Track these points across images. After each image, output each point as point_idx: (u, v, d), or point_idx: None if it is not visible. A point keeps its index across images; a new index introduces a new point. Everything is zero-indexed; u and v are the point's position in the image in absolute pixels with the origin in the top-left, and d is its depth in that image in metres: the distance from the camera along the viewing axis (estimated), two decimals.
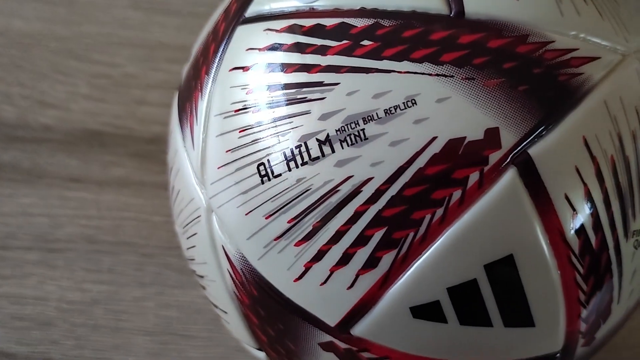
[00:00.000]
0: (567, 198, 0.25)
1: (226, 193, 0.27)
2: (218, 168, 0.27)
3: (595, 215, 0.25)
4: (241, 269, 0.27)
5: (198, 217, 0.29)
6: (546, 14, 0.26)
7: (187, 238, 0.31)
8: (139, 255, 0.44)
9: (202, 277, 0.31)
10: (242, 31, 0.28)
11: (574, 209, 0.25)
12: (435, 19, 0.25)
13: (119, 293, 0.43)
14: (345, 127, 0.25)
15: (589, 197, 0.25)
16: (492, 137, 0.24)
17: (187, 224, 0.30)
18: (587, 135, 0.25)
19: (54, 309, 0.42)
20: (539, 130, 0.24)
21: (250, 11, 0.28)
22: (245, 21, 0.28)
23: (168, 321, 0.42)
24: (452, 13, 0.25)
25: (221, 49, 0.29)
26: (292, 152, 0.25)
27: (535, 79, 0.25)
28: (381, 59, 0.25)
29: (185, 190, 0.30)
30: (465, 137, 0.24)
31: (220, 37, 0.29)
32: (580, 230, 0.25)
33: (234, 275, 0.28)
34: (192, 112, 0.29)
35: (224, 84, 0.28)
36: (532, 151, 0.24)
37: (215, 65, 0.28)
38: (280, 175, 0.25)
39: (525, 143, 0.24)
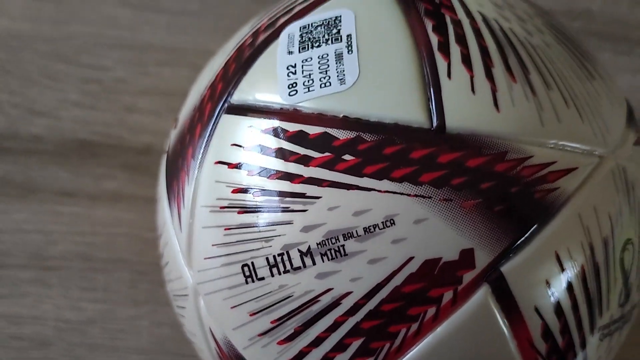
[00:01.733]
0: (536, 310, 0.26)
1: (213, 284, 0.28)
2: (204, 259, 0.28)
3: (563, 321, 0.26)
4: (227, 351, 0.29)
5: (186, 295, 0.30)
6: (527, 124, 0.26)
7: (177, 307, 0.32)
8: (132, 272, 0.46)
9: (191, 339, 0.32)
10: (227, 121, 0.28)
11: (543, 319, 0.26)
12: (416, 135, 0.25)
13: (114, 312, 0.45)
14: (326, 241, 0.25)
15: (558, 307, 0.26)
16: (466, 257, 0.25)
17: (176, 295, 0.31)
18: (559, 249, 0.26)
19: (51, 329, 0.44)
20: (513, 248, 0.25)
21: (236, 98, 0.29)
22: (231, 109, 0.28)
23: (162, 340, 0.44)
24: (434, 127, 0.26)
25: (207, 134, 0.29)
26: (275, 258, 0.26)
27: (512, 199, 0.25)
28: (362, 176, 0.25)
29: (173, 265, 0.31)
30: (441, 258, 0.25)
31: (206, 119, 0.29)
32: (548, 336, 0.26)
33: (220, 354, 0.30)
34: (179, 193, 0.30)
35: (209, 176, 0.28)
36: (505, 269, 0.25)
37: (201, 151, 0.29)
38: (263, 279, 0.26)
39: (499, 262, 0.25)
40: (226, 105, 0.29)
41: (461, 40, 0.27)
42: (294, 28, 0.29)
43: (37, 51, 0.52)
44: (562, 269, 0.26)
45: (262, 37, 0.30)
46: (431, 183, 0.25)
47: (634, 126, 0.31)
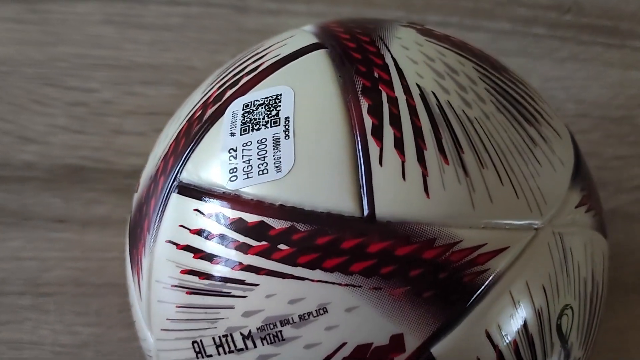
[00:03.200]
0: None
1: (170, 354, 0.30)
2: (161, 330, 0.30)
3: None
4: None
5: (151, 356, 0.32)
6: (458, 208, 0.27)
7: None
8: (123, 296, 0.48)
9: None
10: (176, 200, 0.30)
11: None
12: (347, 224, 0.27)
13: (106, 335, 0.47)
14: (265, 326, 0.27)
15: None
16: (397, 342, 0.26)
17: (145, 353, 0.33)
18: (489, 326, 0.27)
19: (49, 353, 0.47)
20: (442, 330, 0.26)
21: (185, 176, 0.30)
22: (180, 188, 0.30)
23: None
24: (365, 216, 0.27)
25: (159, 210, 0.30)
26: (220, 339, 0.28)
27: (440, 284, 0.26)
28: (296, 266, 0.27)
29: (139, 326, 0.33)
30: (372, 343, 0.26)
31: (159, 193, 0.31)
32: None
33: None
34: (138, 263, 0.31)
35: (162, 253, 0.30)
36: (435, 350, 0.27)
37: (155, 226, 0.30)
38: (212, 356, 0.28)
39: (429, 344, 0.26)
40: (176, 183, 0.30)
41: (395, 121, 0.28)
42: (237, 105, 0.30)
43: (24, 75, 0.53)
44: (494, 345, 0.27)
45: (210, 111, 0.31)
46: (361, 273, 0.26)
47: (579, 184, 0.31)
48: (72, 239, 0.49)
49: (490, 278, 0.27)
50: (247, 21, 0.56)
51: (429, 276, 0.26)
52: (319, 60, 0.30)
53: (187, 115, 0.32)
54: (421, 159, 0.27)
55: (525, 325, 0.28)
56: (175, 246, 0.29)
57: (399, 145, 0.27)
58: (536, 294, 0.28)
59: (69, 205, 0.50)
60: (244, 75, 0.31)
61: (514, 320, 0.27)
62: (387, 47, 0.30)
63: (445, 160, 0.27)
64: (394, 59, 0.30)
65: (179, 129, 0.32)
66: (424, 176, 0.27)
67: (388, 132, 0.27)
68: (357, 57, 0.30)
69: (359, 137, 0.27)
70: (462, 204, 0.27)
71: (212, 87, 0.32)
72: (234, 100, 0.30)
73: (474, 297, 0.27)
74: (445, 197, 0.27)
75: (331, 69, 0.30)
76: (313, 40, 0.32)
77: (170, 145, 0.32)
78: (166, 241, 0.29)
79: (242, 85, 0.31)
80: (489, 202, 0.27)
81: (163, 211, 0.30)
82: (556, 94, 0.56)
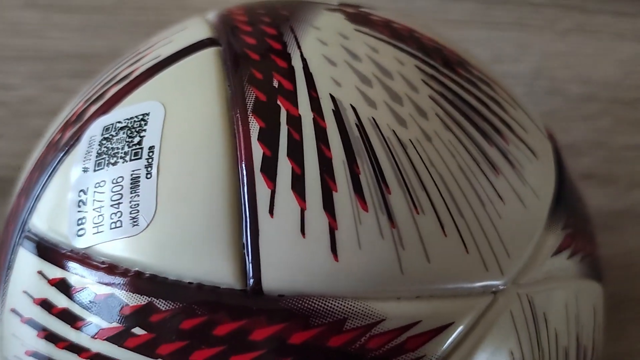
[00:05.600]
0: None
1: None
2: None
3: None
4: None
5: None
6: (379, 275, 0.19)
7: None
8: None
9: None
10: (22, 256, 0.23)
11: None
12: (224, 301, 0.19)
13: None
14: None
15: None
16: None
17: None
18: None
19: None
20: None
21: (33, 224, 0.23)
22: (26, 241, 0.23)
23: None
24: (248, 288, 0.19)
25: (7, 266, 0.23)
26: None
27: None
28: (156, 358, 0.19)
29: None
30: None
31: (8, 241, 0.24)
32: None
33: None
34: None
35: (8, 325, 0.23)
36: None
37: (2, 287, 0.23)
38: None
39: None
40: (22, 233, 0.23)
41: (295, 151, 0.20)
42: (97, 128, 0.22)
43: None
44: None
45: (68, 135, 0.23)
46: None
47: (561, 219, 0.23)
48: None
49: None
50: None
51: None
52: (205, 64, 0.22)
53: (48, 138, 0.24)
54: (329, 205, 0.19)
55: None
56: (19, 318, 0.22)
57: (298, 185, 0.19)
58: None
59: None
60: (113, 85, 0.23)
61: None
62: (297, 43, 0.22)
63: (363, 205, 0.19)
64: (303, 60, 0.22)
65: (37, 157, 0.24)
66: (332, 230, 0.19)
67: (284, 167, 0.20)
68: (254, 59, 0.22)
69: (245, 176, 0.20)
70: (385, 266, 0.19)
71: (80, 100, 0.25)
72: (94, 120, 0.23)
73: None
74: (362, 258, 0.19)
75: (219, 77, 0.22)
76: (206, 34, 0.24)
77: (26, 179, 0.24)
78: (10, 310, 0.22)
79: (107, 100, 0.23)
80: (425, 262, 0.19)
81: (9, 270, 0.23)
82: (557, 73, 0.47)
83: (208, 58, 0.23)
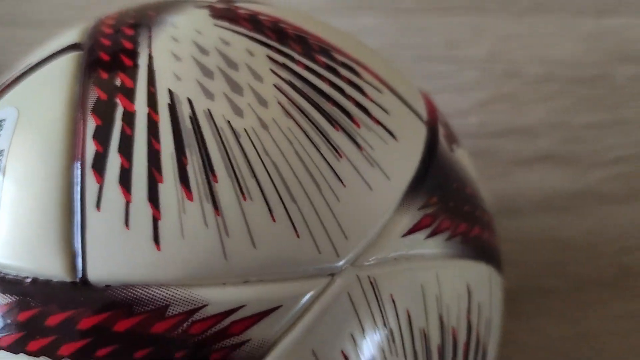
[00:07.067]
0: None
1: None
2: None
3: None
4: None
5: None
6: (202, 261, 0.20)
7: None
8: None
9: None
10: None
11: None
12: (55, 293, 0.20)
13: None
14: None
15: None
16: None
17: None
18: None
19: None
20: None
21: None
22: None
23: None
24: (78, 280, 0.20)
25: None
26: None
27: None
28: None
29: None
30: None
31: None
32: None
33: None
34: None
35: None
36: None
37: None
38: None
39: None
40: None
41: (126, 146, 0.21)
42: None
43: None
44: None
45: None
46: (73, 357, 0.19)
47: (421, 199, 0.23)
48: None
49: (255, 351, 0.20)
50: None
51: (162, 358, 0.19)
52: (63, 69, 0.23)
53: None
54: (153, 197, 0.20)
55: None
56: None
57: (124, 179, 0.20)
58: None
59: None
60: None
61: None
62: (149, 42, 0.23)
63: (188, 194, 0.20)
64: (150, 58, 0.22)
65: None
66: (155, 220, 0.20)
67: (114, 162, 0.20)
68: (104, 60, 0.23)
69: (79, 172, 0.20)
70: (208, 254, 0.20)
71: None
72: None
73: None
74: (185, 246, 0.20)
75: (72, 80, 0.23)
76: (74, 39, 0.25)
77: None
78: None
79: None
80: (251, 248, 0.20)
81: None
82: (514, 56, 0.47)
83: (66, 63, 0.24)
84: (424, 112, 0.26)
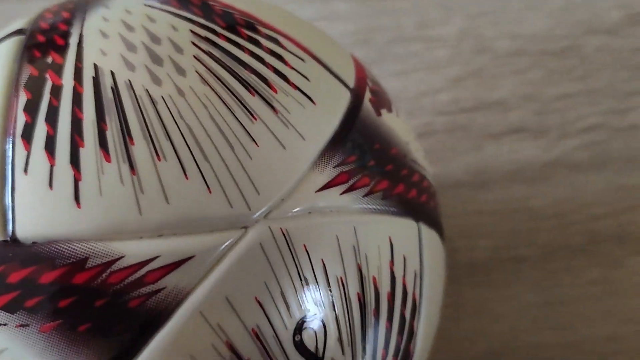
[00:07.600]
0: None
1: None
2: None
3: None
4: None
5: None
6: (118, 218, 0.22)
7: None
8: None
9: None
10: None
11: None
12: None
13: None
14: None
15: None
16: None
17: None
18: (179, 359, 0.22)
19: None
20: None
21: None
22: None
23: None
24: (9, 239, 0.22)
25: None
26: None
27: (98, 314, 0.21)
28: None
29: None
30: None
31: None
32: None
33: None
34: None
35: None
36: None
37: None
38: None
39: None
40: None
41: (51, 116, 0.22)
42: None
43: None
44: None
45: None
46: (5, 308, 0.22)
47: (337, 158, 0.24)
48: None
49: (170, 299, 0.21)
50: None
51: (83, 305, 0.21)
52: (6, 51, 0.25)
53: None
54: (75, 160, 0.22)
55: (234, 350, 0.22)
56: None
57: (50, 145, 0.22)
58: (246, 311, 0.22)
59: None
60: None
61: (216, 348, 0.22)
62: (82, 23, 0.25)
63: (107, 157, 0.22)
64: (80, 37, 0.24)
65: None
66: (76, 181, 0.22)
67: (40, 131, 0.22)
68: (40, 41, 0.25)
69: (11, 143, 0.22)
70: (124, 210, 0.21)
71: None
72: None
73: (146, 326, 0.21)
74: (102, 204, 0.21)
75: (11, 62, 0.25)
76: (21, 25, 0.27)
77: None
78: None
79: None
80: (164, 204, 0.22)
81: None
82: (484, 31, 0.48)
83: (10, 45, 0.26)
84: (351, 80, 0.27)
